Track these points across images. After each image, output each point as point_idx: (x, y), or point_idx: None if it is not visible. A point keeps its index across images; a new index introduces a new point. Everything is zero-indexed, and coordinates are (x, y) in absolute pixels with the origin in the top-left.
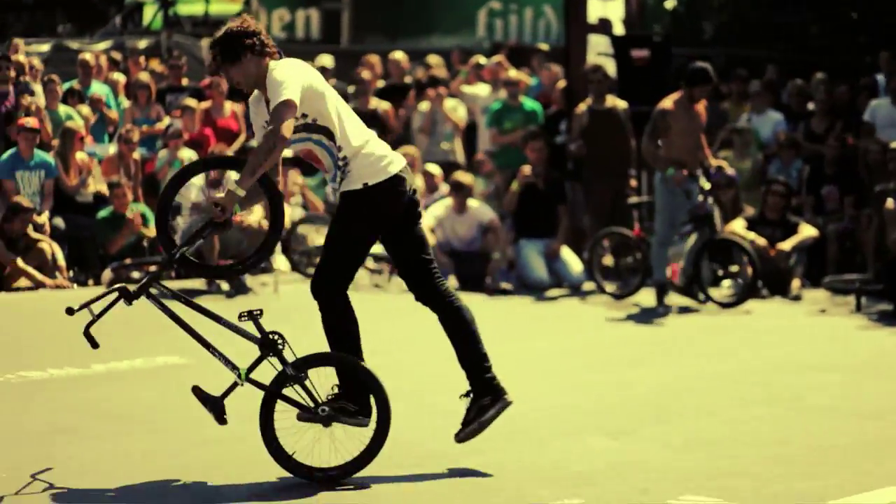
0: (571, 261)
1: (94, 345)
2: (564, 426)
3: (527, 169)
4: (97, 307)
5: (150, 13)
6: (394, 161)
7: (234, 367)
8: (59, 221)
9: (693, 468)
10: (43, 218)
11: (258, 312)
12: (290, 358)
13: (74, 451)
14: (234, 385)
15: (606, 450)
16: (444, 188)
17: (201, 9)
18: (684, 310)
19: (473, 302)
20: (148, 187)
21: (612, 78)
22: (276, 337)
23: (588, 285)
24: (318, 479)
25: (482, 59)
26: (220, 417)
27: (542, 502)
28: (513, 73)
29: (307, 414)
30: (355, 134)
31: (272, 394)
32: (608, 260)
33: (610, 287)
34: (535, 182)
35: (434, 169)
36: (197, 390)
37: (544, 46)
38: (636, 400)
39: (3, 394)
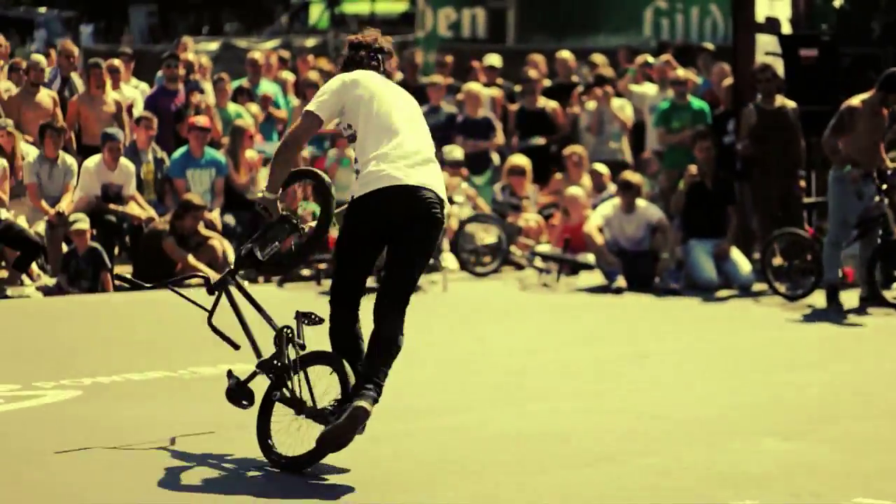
0: (741, 261)
1: (226, 340)
2: (737, 427)
3: (693, 168)
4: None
5: (316, 12)
6: (386, 177)
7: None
8: (230, 218)
9: (866, 470)
10: (213, 215)
11: (316, 318)
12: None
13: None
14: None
15: (779, 451)
16: (612, 187)
17: (367, 7)
18: (857, 310)
19: (641, 302)
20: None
21: (781, 77)
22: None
23: (758, 286)
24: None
25: (650, 58)
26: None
27: (713, 502)
28: (681, 72)
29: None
30: (367, 147)
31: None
32: (779, 260)
33: (782, 288)
34: (703, 182)
35: (602, 168)
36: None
37: (710, 46)
38: (809, 401)
39: (176, 390)
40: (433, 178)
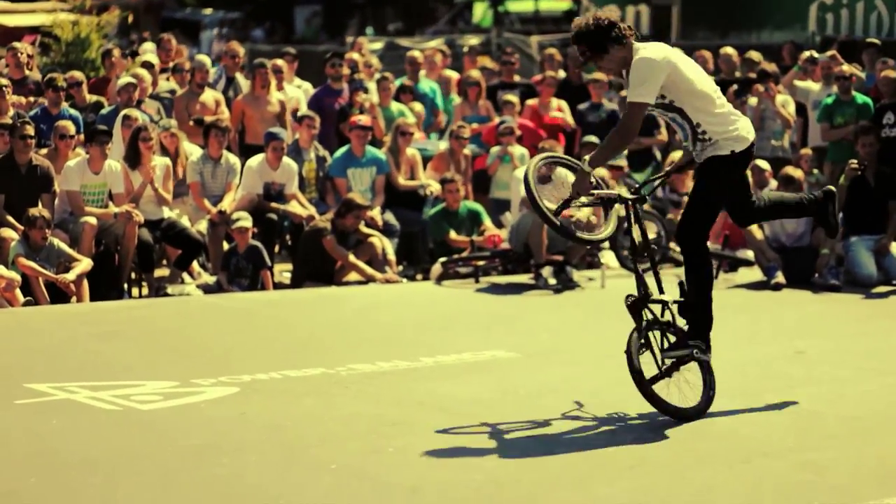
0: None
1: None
2: (892, 423)
3: (854, 163)
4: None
5: (479, 11)
6: (747, 129)
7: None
8: (390, 216)
9: None
10: (374, 213)
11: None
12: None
13: (405, 443)
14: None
15: None
16: (773, 184)
17: (531, 6)
18: None
19: (800, 298)
20: (478, 183)
21: None
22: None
23: None
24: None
25: (815, 54)
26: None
27: (871, 500)
28: (845, 68)
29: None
30: (711, 109)
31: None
32: None
33: None
34: (864, 177)
35: (763, 164)
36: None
37: (875, 41)
38: None
39: (334, 386)
40: None
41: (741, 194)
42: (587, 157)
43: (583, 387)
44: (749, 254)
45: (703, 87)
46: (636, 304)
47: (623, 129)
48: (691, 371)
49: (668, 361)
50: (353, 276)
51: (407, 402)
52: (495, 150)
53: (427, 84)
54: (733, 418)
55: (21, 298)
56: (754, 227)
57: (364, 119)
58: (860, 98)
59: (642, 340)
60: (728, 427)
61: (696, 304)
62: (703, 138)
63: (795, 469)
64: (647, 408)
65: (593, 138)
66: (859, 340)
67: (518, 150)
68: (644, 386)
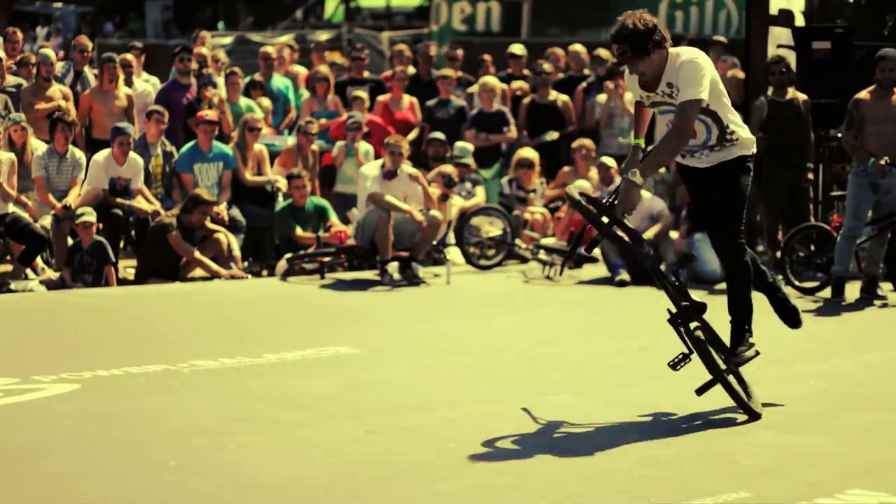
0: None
1: None
2: (735, 419)
3: None
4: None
5: (331, 6)
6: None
7: None
8: (236, 212)
9: (863, 462)
10: (220, 209)
11: None
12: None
13: (247, 440)
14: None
15: (776, 443)
16: (619, 181)
17: (382, 2)
18: (865, 303)
19: (645, 295)
20: (325, 179)
21: (793, 70)
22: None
23: None
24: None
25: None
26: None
27: (710, 496)
28: None
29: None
30: (732, 112)
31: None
32: (800, 254)
33: (800, 281)
34: None
35: (610, 161)
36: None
37: (722, 38)
38: (809, 393)
39: (176, 383)
40: None
41: None
42: (636, 169)
43: (427, 382)
44: (594, 251)
45: (726, 92)
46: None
47: (681, 131)
48: None
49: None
50: (198, 271)
51: (250, 398)
52: (340, 143)
53: (280, 80)
54: (575, 414)
55: None
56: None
57: (211, 114)
58: None
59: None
60: (568, 422)
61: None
62: (732, 139)
63: (636, 464)
64: (490, 402)
65: (439, 135)
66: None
67: (364, 146)
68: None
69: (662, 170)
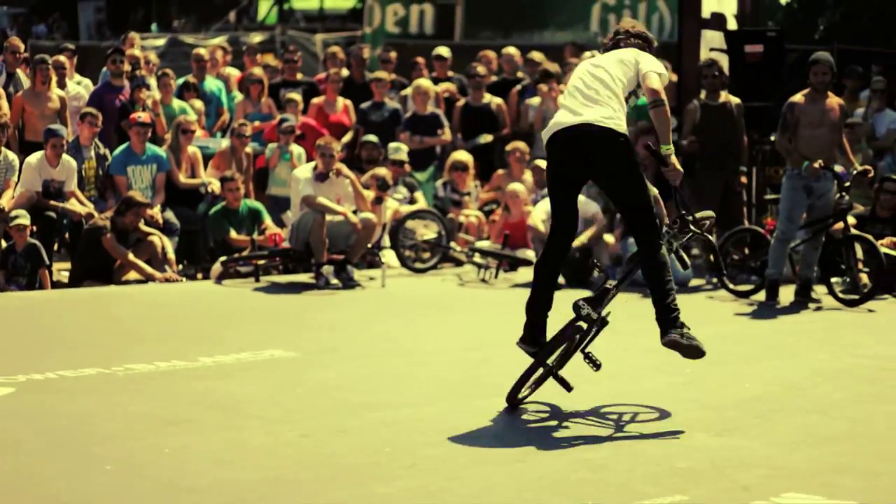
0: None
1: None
2: (670, 422)
3: None
4: None
5: (264, 8)
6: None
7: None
8: (170, 215)
9: (798, 466)
10: (154, 211)
11: None
12: None
13: (184, 442)
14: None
15: (711, 446)
16: None
17: (316, 4)
18: (799, 306)
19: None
20: (260, 182)
21: (726, 73)
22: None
23: (695, 282)
24: None
25: (597, 54)
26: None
27: (646, 499)
28: None
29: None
30: None
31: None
32: (735, 257)
33: (735, 284)
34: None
35: (543, 164)
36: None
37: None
38: (744, 396)
39: (111, 387)
40: None
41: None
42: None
43: (363, 385)
44: (529, 253)
45: (572, 89)
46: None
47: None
48: None
49: None
50: (132, 274)
51: (185, 401)
52: (273, 145)
53: (213, 82)
54: (509, 416)
55: None
56: (539, 224)
57: (144, 116)
58: (641, 99)
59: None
60: (504, 427)
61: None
62: None
63: (572, 467)
64: (426, 406)
65: (372, 138)
66: (637, 339)
67: (297, 148)
68: None
69: None
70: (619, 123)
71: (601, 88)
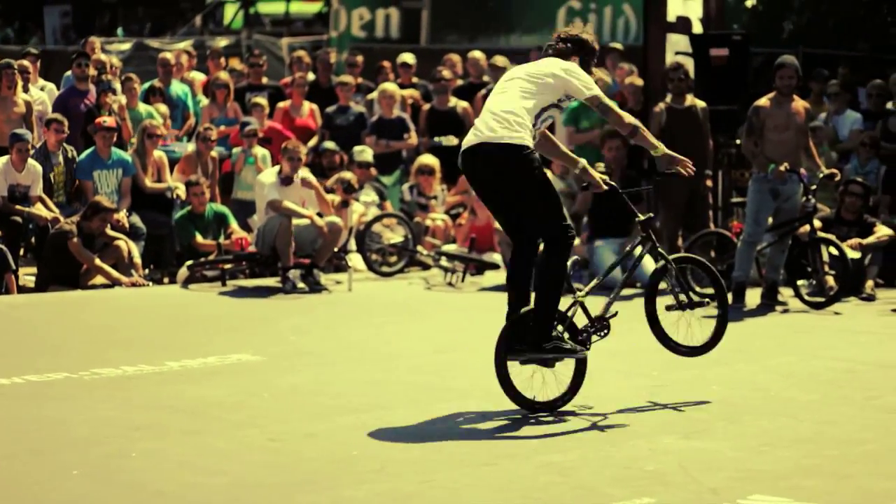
0: (646, 261)
1: None
2: (638, 425)
3: (600, 166)
4: None
5: (230, 12)
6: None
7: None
8: (136, 219)
9: (766, 468)
10: (120, 216)
11: None
12: None
13: (150, 447)
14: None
15: (679, 449)
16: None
17: (282, 8)
18: (766, 309)
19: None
20: (225, 186)
21: (691, 77)
22: None
23: (662, 285)
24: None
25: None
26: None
27: (615, 501)
28: (593, 72)
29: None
30: None
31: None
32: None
33: (701, 287)
34: (610, 181)
35: None
36: None
37: (619, 45)
38: (711, 399)
39: (78, 391)
40: None
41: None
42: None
43: (330, 389)
44: (496, 257)
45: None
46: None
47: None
48: None
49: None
50: (99, 279)
51: (152, 406)
52: (237, 150)
53: (179, 87)
54: (478, 419)
55: None
56: None
57: (109, 120)
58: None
59: None
60: (473, 430)
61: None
62: None
63: (541, 470)
64: (394, 409)
65: (331, 144)
66: (604, 342)
67: (260, 151)
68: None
69: (562, 183)
70: (519, 137)
71: (507, 104)
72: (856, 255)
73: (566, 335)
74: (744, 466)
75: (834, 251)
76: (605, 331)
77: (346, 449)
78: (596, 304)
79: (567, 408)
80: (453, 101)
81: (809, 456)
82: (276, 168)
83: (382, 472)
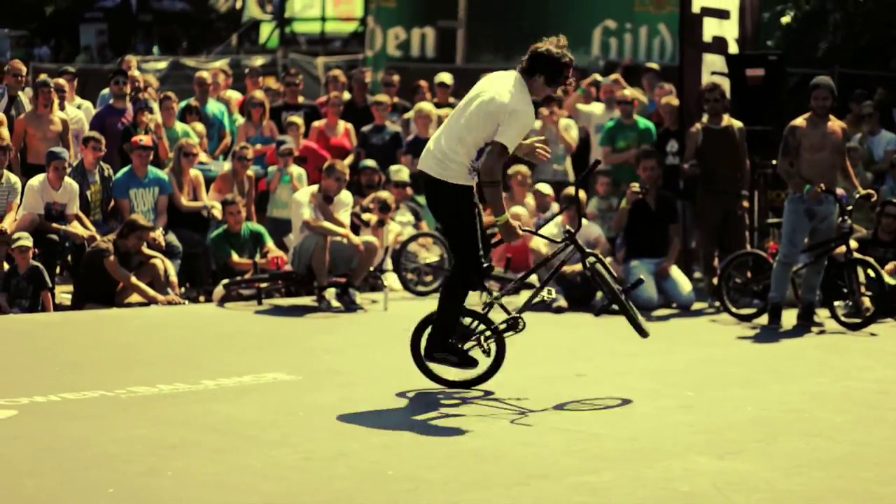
0: (681, 281)
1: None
2: (672, 445)
3: (635, 186)
4: None
5: (266, 31)
6: None
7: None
8: (172, 238)
9: (797, 489)
10: (156, 234)
11: None
12: None
13: (183, 466)
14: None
15: (713, 470)
16: (555, 207)
17: (317, 27)
18: (802, 330)
19: (581, 321)
20: (261, 205)
21: (728, 97)
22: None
23: (697, 305)
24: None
25: (598, 77)
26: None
27: None
28: (627, 92)
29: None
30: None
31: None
32: (739, 280)
33: (737, 308)
34: (645, 201)
35: (545, 188)
36: None
37: (655, 65)
38: (745, 420)
39: (113, 409)
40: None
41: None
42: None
43: (363, 408)
44: (532, 277)
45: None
46: None
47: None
48: None
49: None
50: (134, 297)
51: (187, 424)
52: (273, 168)
53: (215, 105)
54: (513, 441)
55: None
56: (541, 244)
57: (145, 139)
58: (642, 122)
59: None
60: (507, 449)
61: None
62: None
63: (573, 491)
64: (426, 429)
65: (371, 162)
66: (638, 362)
67: (296, 170)
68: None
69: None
70: (451, 167)
71: (448, 139)
72: (893, 281)
73: (469, 343)
74: (778, 487)
75: (871, 272)
76: (519, 327)
77: (380, 468)
78: (625, 323)
79: (600, 429)
80: None
81: (843, 477)
82: (313, 188)
83: (416, 493)
